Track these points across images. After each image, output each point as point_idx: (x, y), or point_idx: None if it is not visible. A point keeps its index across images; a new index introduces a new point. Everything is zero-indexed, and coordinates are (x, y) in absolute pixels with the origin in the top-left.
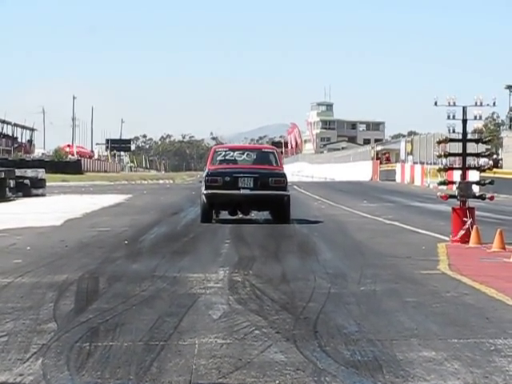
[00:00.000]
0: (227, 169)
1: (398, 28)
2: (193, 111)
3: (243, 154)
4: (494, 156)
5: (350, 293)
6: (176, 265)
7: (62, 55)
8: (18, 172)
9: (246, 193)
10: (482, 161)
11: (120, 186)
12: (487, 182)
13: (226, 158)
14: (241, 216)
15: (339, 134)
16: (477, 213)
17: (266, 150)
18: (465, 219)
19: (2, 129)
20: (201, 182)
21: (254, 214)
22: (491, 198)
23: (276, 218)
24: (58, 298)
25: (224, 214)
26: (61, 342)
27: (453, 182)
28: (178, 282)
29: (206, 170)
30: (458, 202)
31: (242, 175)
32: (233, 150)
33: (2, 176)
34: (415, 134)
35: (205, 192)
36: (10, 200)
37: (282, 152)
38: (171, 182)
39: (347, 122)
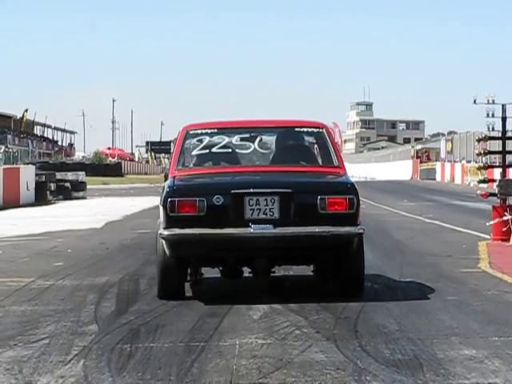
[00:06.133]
0: (216, 176)
1: (436, 27)
2: (232, 112)
3: (252, 139)
4: None
5: (390, 291)
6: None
7: (101, 58)
8: (59, 175)
9: (264, 233)
10: None
11: (160, 188)
12: None
13: (213, 150)
14: (248, 275)
15: (379, 133)
16: None
17: (303, 130)
18: (505, 214)
19: (43, 132)
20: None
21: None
22: None
23: (333, 279)
24: (98, 300)
25: (209, 272)
26: (102, 344)
27: (493, 180)
28: (219, 282)
29: (168, 181)
30: (499, 200)
31: (251, 191)
32: (227, 131)
33: (43, 179)
34: (455, 132)
35: (165, 234)
36: (51, 203)
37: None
38: None
39: (387, 121)
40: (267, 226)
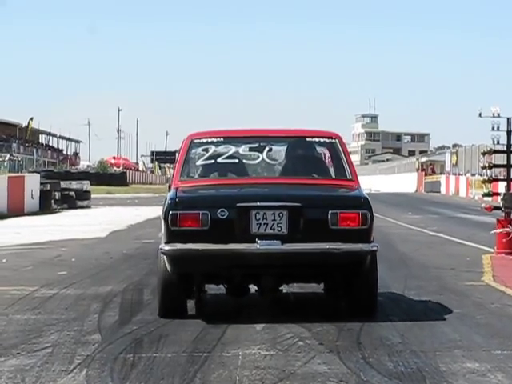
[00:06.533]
0: (221, 188)
1: (442, 39)
2: (237, 122)
3: (260, 149)
4: None
5: (394, 304)
6: None
7: (107, 67)
8: (64, 184)
9: (271, 249)
10: None
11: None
12: None
13: (219, 160)
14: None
15: (384, 145)
16: None
17: (314, 140)
18: (509, 226)
19: (48, 141)
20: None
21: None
22: None
23: (344, 299)
24: (102, 310)
25: (213, 289)
26: (105, 353)
27: (498, 194)
28: (222, 293)
29: (170, 193)
30: (503, 214)
31: (258, 205)
32: (234, 140)
33: (48, 188)
34: (460, 145)
35: (166, 249)
36: (56, 212)
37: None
38: None
39: (392, 134)
40: (275, 241)
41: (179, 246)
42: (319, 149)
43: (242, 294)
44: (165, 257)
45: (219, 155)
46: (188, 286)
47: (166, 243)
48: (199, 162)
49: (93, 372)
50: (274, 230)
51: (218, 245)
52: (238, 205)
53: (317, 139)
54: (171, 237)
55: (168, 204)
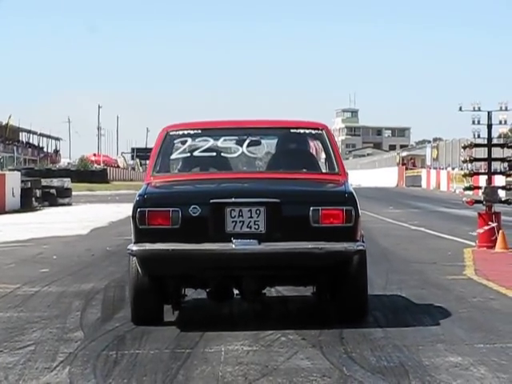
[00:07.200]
0: (195, 184)
1: (422, 34)
2: (218, 117)
3: (240, 141)
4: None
5: (376, 299)
6: None
7: (87, 64)
8: (44, 182)
9: (248, 249)
10: (504, 166)
11: None
12: None
13: (195, 153)
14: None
15: (364, 140)
16: (503, 218)
17: (300, 131)
18: (490, 223)
19: (28, 139)
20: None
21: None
22: None
23: (331, 302)
24: (84, 307)
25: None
26: (87, 351)
27: (479, 187)
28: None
29: (140, 189)
30: (484, 207)
31: (233, 201)
32: (213, 132)
33: (29, 186)
34: (440, 139)
35: (134, 249)
36: (37, 209)
37: None
38: None
39: (372, 128)
40: (251, 241)
41: (148, 246)
42: (304, 141)
43: (224, 299)
44: (136, 259)
45: (196, 148)
46: (163, 290)
47: (134, 243)
48: (174, 156)
49: (75, 369)
50: (250, 228)
51: (190, 245)
52: (211, 201)
53: (302, 130)
54: (140, 236)
55: (136, 201)
